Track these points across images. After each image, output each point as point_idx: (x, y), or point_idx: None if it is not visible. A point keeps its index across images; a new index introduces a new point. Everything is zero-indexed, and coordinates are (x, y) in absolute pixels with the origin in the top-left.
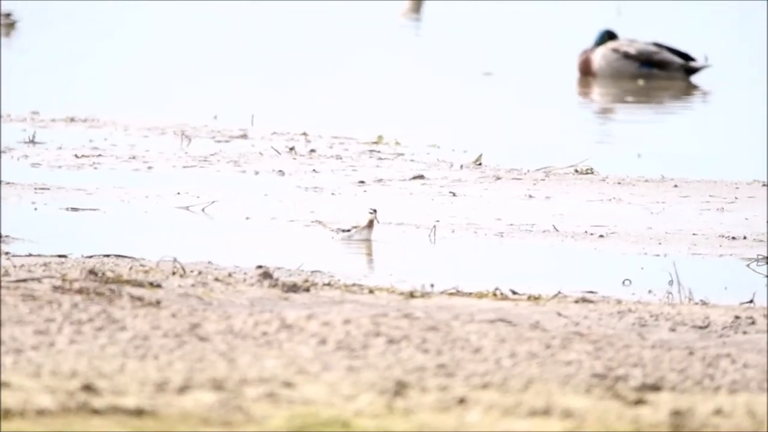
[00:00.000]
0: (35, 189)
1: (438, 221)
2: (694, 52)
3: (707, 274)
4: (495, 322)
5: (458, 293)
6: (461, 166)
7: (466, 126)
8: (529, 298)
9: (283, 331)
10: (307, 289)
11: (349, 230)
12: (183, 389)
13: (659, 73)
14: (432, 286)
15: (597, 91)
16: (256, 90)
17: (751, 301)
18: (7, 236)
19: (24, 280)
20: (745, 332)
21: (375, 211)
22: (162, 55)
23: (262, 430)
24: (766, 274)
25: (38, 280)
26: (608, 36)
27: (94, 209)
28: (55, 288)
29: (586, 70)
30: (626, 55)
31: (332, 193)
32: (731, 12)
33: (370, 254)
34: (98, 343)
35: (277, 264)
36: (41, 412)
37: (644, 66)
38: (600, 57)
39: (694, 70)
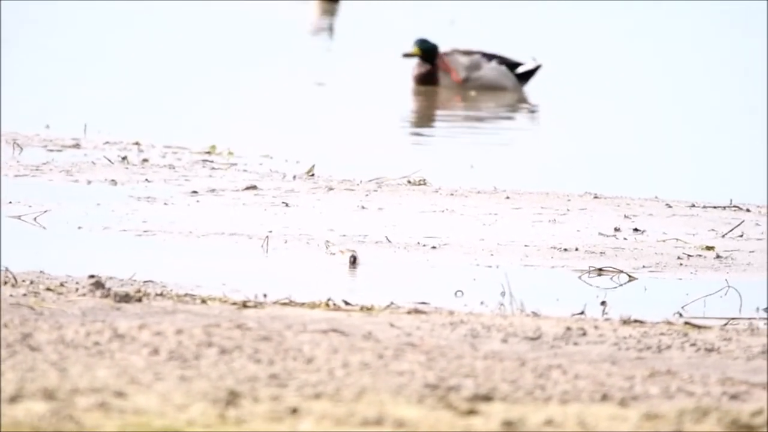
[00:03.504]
0: None
1: (271, 232)
2: (526, 60)
3: (539, 285)
4: (328, 332)
5: (291, 303)
6: (294, 177)
7: (299, 137)
8: (361, 308)
9: (115, 341)
10: (140, 299)
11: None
12: (14, 399)
13: (491, 83)
14: (265, 296)
15: (430, 102)
16: (88, 99)
17: (582, 313)
18: None
19: None
20: (576, 343)
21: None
22: None
23: None
24: (597, 285)
25: None
26: (423, 44)
27: None
28: None
29: (421, 81)
30: (459, 66)
31: (165, 203)
32: (563, 24)
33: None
34: None
35: (110, 274)
36: None
37: (476, 76)
38: (434, 68)
39: (526, 75)
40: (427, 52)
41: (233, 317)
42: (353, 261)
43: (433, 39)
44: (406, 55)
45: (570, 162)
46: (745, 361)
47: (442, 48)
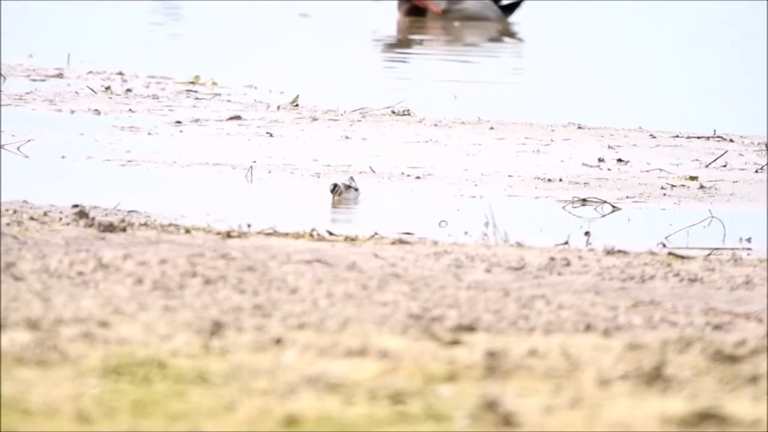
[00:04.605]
0: None
1: (255, 162)
2: None
3: (523, 215)
4: (312, 262)
5: (275, 234)
6: (278, 107)
7: (283, 67)
8: (345, 239)
9: (99, 270)
10: (124, 229)
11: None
12: None
13: (475, 14)
14: (249, 226)
15: (414, 33)
16: (72, 28)
17: (566, 243)
18: None
19: None
20: (559, 273)
21: (336, 186)
22: None
23: (78, 370)
24: (581, 215)
25: None
26: None
27: None
28: None
29: (408, 13)
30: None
31: (148, 133)
32: None
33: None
34: None
35: (93, 203)
36: None
37: (460, 7)
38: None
39: (511, 7)
40: None
41: (217, 247)
42: (344, 189)
43: None
44: None
45: (554, 92)
46: (728, 291)
47: None
